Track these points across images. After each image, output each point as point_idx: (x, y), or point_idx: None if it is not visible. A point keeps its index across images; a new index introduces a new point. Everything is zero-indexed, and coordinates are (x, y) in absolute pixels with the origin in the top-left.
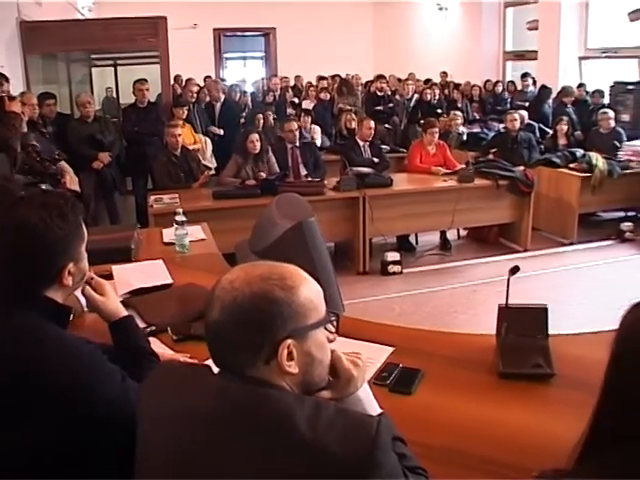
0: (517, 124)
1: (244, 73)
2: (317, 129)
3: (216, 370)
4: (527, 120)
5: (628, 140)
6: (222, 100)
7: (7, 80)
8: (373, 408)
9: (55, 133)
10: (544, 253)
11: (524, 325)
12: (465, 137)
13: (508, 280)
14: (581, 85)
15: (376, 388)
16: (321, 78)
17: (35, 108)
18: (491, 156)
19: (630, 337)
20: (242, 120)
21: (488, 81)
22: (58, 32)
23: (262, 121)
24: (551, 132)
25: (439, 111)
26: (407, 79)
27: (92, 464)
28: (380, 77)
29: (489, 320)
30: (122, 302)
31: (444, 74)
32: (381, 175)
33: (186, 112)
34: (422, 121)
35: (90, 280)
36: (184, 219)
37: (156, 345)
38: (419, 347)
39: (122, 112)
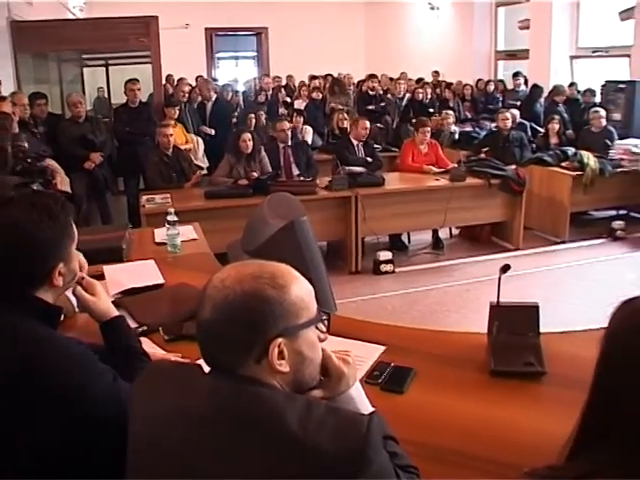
0: (509, 123)
1: (236, 73)
2: (309, 130)
3: (207, 369)
4: (519, 119)
5: (619, 139)
6: (214, 100)
7: None
8: (365, 407)
9: (46, 133)
10: (536, 252)
11: (515, 323)
12: (457, 136)
13: (499, 278)
14: (572, 84)
15: (368, 387)
16: (313, 77)
17: (26, 108)
18: (483, 155)
19: (619, 335)
20: (234, 120)
21: (480, 80)
22: (49, 32)
23: (254, 121)
24: (543, 131)
25: (431, 110)
26: (399, 78)
27: (84, 464)
28: (372, 76)
29: (481, 319)
30: (113, 302)
31: (436, 73)
32: (373, 174)
33: (178, 112)
34: (414, 120)
35: (81, 280)
36: (176, 219)
37: (147, 345)
38: (411, 346)
39: (113, 112)
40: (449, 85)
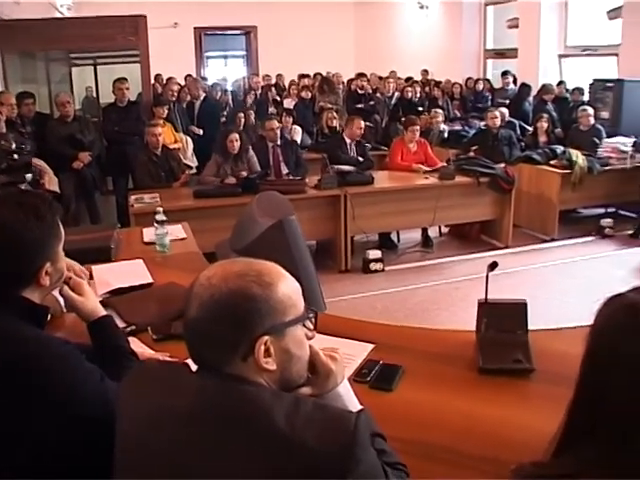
0: (498, 121)
1: (225, 72)
2: (298, 129)
3: (195, 368)
4: (508, 118)
5: (607, 137)
6: (202, 99)
7: None
8: (353, 404)
9: (34, 133)
10: (525, 249)
11: (504, 321)
12: (446, 135)
13: (487, 276)
14: (561, 83)
15: (356, 385)
16: (302, 76)
17: (13, 108)
18: (472, 153)
19: (604, 332)
20: (223, 119)
21: (469, 79)
22: (37, 31)
23: (243, 120)
24: (531, 129)
25: (420, 109)
26: (388, 77)
27: (71, 463)
28: (361, 75)
29: (471, 316)
30: (102, 302)
31: (425, 72)
32: (362, 173)
33: (166, 111)
34: (403, 119)
35: (68, 280)
36: (164, 218)
37: (136, 345)
38: (399, 344)
39: (102, 111)
40: (438, 84)
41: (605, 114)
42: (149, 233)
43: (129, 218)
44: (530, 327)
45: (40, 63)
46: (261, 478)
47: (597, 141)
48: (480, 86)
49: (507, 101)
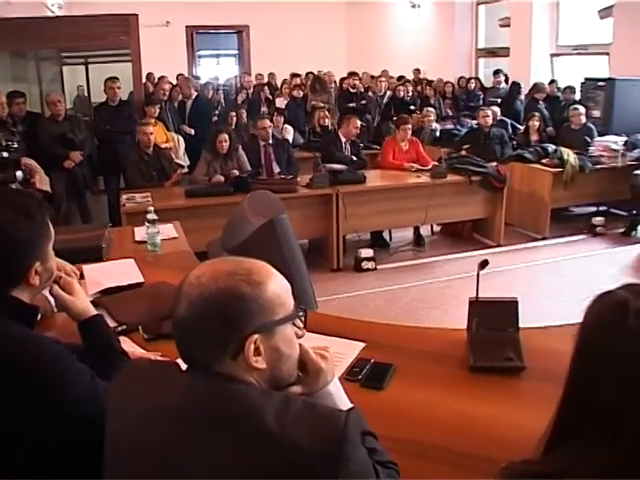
0: (489, 120)
1: (217, 71)
2: (289, 129)
3: (185, 367)
4: (500, 116)
5: (599, 136)
6: (194, 98)
7: None
8: (343, 403)
9: (25, 132)
10: (517, 248)
11: (495, 319)
12: (438, 133)
13: (478, 274)
14: (552, 81)
15: (347, 383)
16: (294, 75)
17: (4, 107)
18: (464, 152)
19: (594, 329)
20: (215, 118)
21: (461, 78)
22: (27, 30)
23: (235, 119)
24: (522, 128)
25: (412, 108)
26: (380, 76)
27: (70, 463)
28: (353, 74)
29: (463, 315)
30: (92, 302)
31: (417, 71)
32: (354, 172)
33: (158, 110)
34: (395, 118)
35: (58, 279)
36: (155, 217)
37: (127, 344)
38: (391, 342)
39: (93, 110)
40: (430, 83)
41: (596, 113)
42: (140, 232)
43: (121, 217)
44: (522, 325)
45: (31, 62)
46: (251, 477)
47: (588, 140)
48: (472, 85)
49: (499, 100)
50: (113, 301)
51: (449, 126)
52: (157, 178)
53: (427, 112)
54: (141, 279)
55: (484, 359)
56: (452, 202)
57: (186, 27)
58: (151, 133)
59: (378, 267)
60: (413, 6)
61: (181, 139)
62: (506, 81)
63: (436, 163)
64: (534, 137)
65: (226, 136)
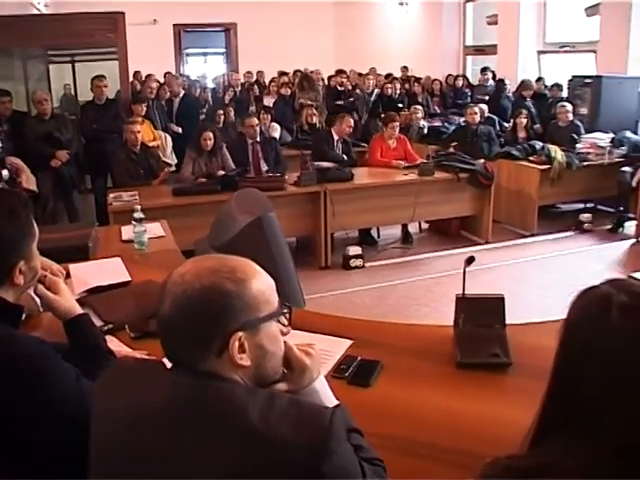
0: (477, 117)
1: (205, 69)
2: (276, 127)
3: (170, 365)
4: (487, 114)
5: (586, 133)
6: (181, 96)
7: None
8: (329, 400)
9: (11, 131)
10: (505, 245)
11: (481, 315)
12: (426, 131)
13: (464, 270)
14: (540, 79)
15: (335, 381)
16: (282, 74)
17: None
18: (451, 149)
19: (578, 324)
20: (202, 116)
21: (449, 75)
22: (13, 28)
23: (222, 117)
24: (508, 125)
25: (400, 105)
26: (368, 74)
27: (46, 463)
28: (340, 72)
29: (451, 311)
30: (79, 301)
31: (405, 69)
32: (342, 169)
33: (145, 108)
34: (383, 115)
35: (43, 278)
36: (142, 216)
37: (114, 343)
38: (378, 339)
39: (80, 109)
40: (418, 80)
41: (583, 110)
42: (127, 231)
43: (108, 216)
44: (509, 321)
45: (17, 60)
46: (237, 475)
47: (576, 137)
48: (460, 82)
49: (486, 97)
50: (100, 300)
51: (437, 123)
52: (144, 177)
53: (415, 110)
54: (128, 278)
55: (471, 355)
56: (440, 199)
57: (173, 25)
58: (138, 132)
59: (366, 265)
60: (401, 4)
61: (168, 137)
62: (494, 78)
63: (424, 160)
64: (521, 134)
65: (210, 134)
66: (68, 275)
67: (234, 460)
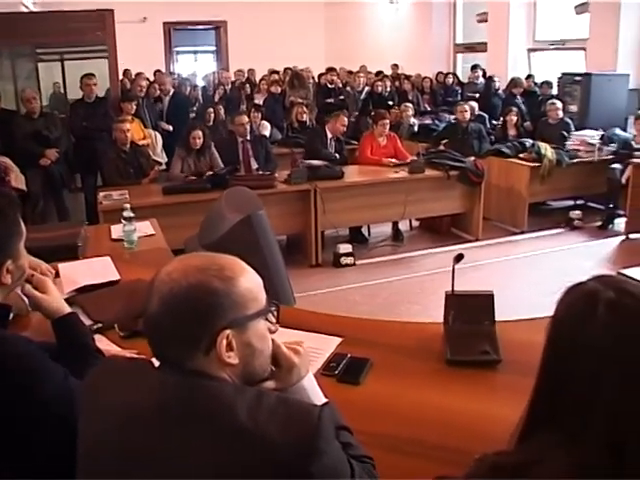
0: (467, 115)
1: (195, 67)
2: (266, 125)
3: (158, 364)
4: (477, 111)
5: (576, 130)
6: (171, 94)
7: None
8: (318, 397)
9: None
10: (495, 242)
11: (471, 312)
12: (416, 128)
13: (453, 268)
14: (530, 76)
15: (324, 378)
16: (273, 72)
17: None
18: (442, 147)
19: (565, 320)
20: (193, 115)
21: (439, 73)
22: (1, 26)
23: (212, 115)
24: (496, 123)
25: (390, 103)
26: (359, 72)
27: (34, 464)
28: (331, 70)
29: (441, 309)
30: (68, 300)
31: (395, 66)
32: (332, 167)
33: (135, 107)
34: (373, 113)
35: (30, 277)
36: (132, 215)
37: (103, 342)
38: (368, 337)
39: (70, 107)
40: (408, 78)
41: (573, 107)
42: (117, 230)
43: (98, 215)
44: (500, 318)
45: (5, 59)
46: (226, 474)
47: (565, 134)
48: (450, 80)
49: (477, 95)
50: (89, 299)
51: (427, 121)
52: (134, 175)
53: (405, 107)
54: (117, 277)
55: (460, 352)
56: (430, 197)
57: (163, 23)
58: (128, 130)
59: (357, 262)
60: (391, 2)
61: (158, 136)
62: (484, 76)
63: (414, 158)
64: (512, 132)
65: (199, 132)
66: (57, 274)
67: (223, 459)
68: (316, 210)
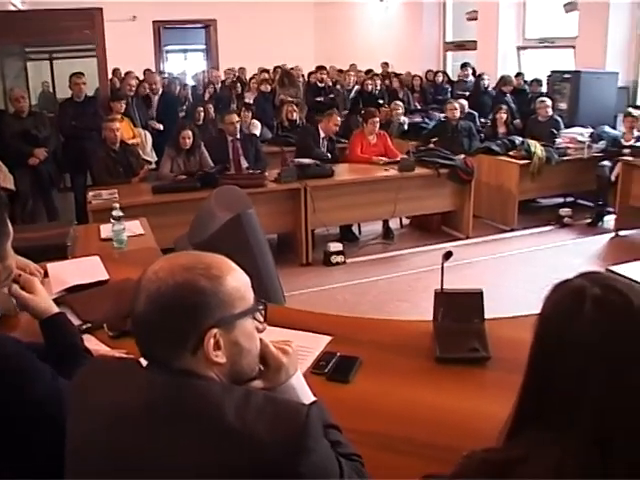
0: (457, 113)
1: (185, 66)
2: (256, 123)
3: (146, 364)
4: (467, 109)
5: (565, 128)
6: (160, 93)
7: None
8: (307, 396)
9: None
10: (485, 240)
11: (460, 310)
12: (406, 127)
13: (442, 265)
14: (519, 74)
15: (314, 377)
16: (263, 70)
17: None
18: (432, 145)
19: (552, 317)
20: (182, 114)
21: (429, 71)
22: None
23: (202, 114)
24: (485, 121)
25: (380, 101)
26: (349, 70)
27: (23, 464)
28: (320, 68)
29: (431, 307)
30: (57, 300)
31: (385, 65)
32: (322, 165)
33: (124, 106)
34: (363, 111)
35: (18, 278)
36: (121, 214)
37: (92, 342)
38: (357, 335)
39: (59, 107)
40: (398, 76)
41: (563, 105)
42: (106, 229)
43: (88, 215)
44: (491, 315)
45: None
46: (214, 473)
47: (555, 132)
48: (440, 78)
49: (467, 93)
50: (78, 299)
51: (417, 119)
52: (124, 174)
53: (395, 105)
54: (106, 276)
55: (450, 350)
56: (420, 195)
57: (153, 22)
58: (117, 129)
59: (347, 261)
60: (381, 0)
61: (148, 135)
62: (474, 74)
63: (404, 156)
64: (501, 129)
65: (189, 132)
66: (46, 274)
67: (210, 458)
68: (306, 209)
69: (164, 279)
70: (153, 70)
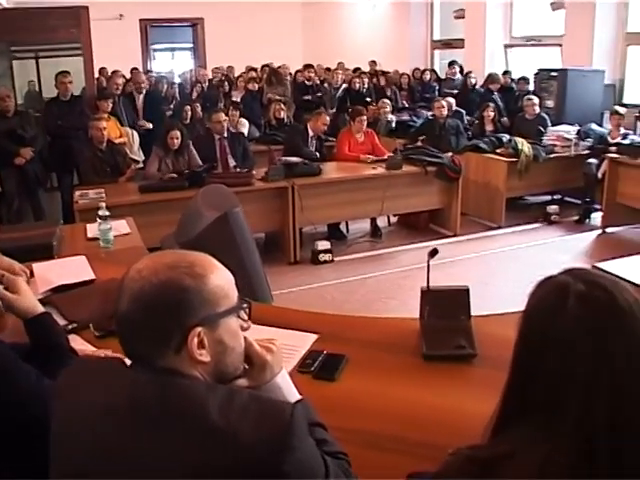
0: (444, 111)
1: (173, 64)
2: (244, 122)
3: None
4: (455, 107)
5: (552, 125)
6: (145, 92)
7: None
8: (292, 395)
9: None
10: (473, 237)
11: (447, 307)
12: (394, 125)
13: (428, 263)
14: (507, 72)
15: (300, 375)
16: (250, 69)
17: None
18: (419, 143)
19: (536, 313)
20: (170, 112)
21: (416, 69)
22: None
23: (190, 113)
24: (477, 118)
25: (368, 99)
26: (336, 68)
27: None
28: (308, 66)
29: (419, 304)
30: (42, 300)
31: (373, 63)
32: (310, 164)
33: (111, 105)
34: (350, 110)
35: (1, 278)
36: (107, 214)
37: (77, 342)
38: (344, 333)
39: (45, 106)
40: (386, 74)
41: (550, 103)
42: (93, 229)
43: (74, 215)
44: (478, 313)
45: None
46: (198, 472)
47: (542, 129)
48: (427, 76)
49: (454, 91)
50: (64, 299)
51: (405, 117)
52: (111, 174)
53: (383, 104)
54: (92, 276)
55: (436, 347)
56: (408, 193)
57: (139, 20)
58: (104, 128)
59: (335, 259)
60: None
61: (135, 134)
62: (461, 72)
63: (392, 154)
64: (489, 127)
65: (178, 132)
66: (32, 274)
67: (195, 457)
68: (294, 207)
69: (148, 278)
70: (140, 69)
